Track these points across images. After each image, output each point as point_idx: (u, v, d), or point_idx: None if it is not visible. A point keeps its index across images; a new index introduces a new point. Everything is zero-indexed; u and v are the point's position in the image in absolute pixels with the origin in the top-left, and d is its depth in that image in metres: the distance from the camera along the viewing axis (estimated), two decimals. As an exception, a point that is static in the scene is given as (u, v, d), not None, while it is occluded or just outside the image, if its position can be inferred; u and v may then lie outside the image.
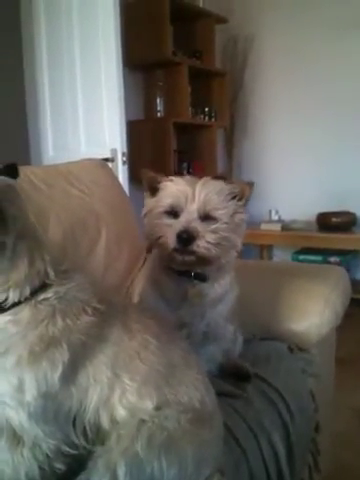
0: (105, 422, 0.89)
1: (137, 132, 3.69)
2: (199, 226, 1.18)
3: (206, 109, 4.34)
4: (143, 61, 3.87)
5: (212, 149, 4.42)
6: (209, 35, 4.33)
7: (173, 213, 1.22)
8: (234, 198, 1.24)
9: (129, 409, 0.89)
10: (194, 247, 1.17)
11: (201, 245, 1.17)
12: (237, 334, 1.48)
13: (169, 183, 1.25)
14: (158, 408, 0.91)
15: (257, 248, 4.50)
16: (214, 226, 1.19)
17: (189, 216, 1.19)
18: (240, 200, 1.24)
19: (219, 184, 1.24)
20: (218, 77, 4.46)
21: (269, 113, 4.63)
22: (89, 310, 0.90)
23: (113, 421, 0.89)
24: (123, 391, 0.90)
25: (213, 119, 4.41)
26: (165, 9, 3.76)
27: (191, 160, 4.28)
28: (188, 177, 1.28)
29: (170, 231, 1.19)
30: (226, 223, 1.20)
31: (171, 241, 1.18)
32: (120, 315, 0.96)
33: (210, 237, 1.18)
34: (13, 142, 3.57)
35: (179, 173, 3.85)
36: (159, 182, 1.27)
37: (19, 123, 3.52)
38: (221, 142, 4.74)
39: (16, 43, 3.41)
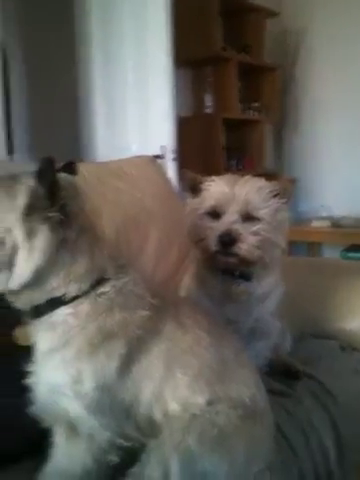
0: (158, 415, 0.90)
1: (186, 128, 3.69)
2: (241, 228, 1.17)
3: (255, 104, 4.29)
4: (192, 57, 3.86)
5: (261, 145, 4.36)
6: (259, 30, 4.27)
7: (215, 214, 1.21)
8: (276, 196, 1.22)
9: (181, 403, 0.90)
10: (236, 249, 1.16)
11: (243, 247, 1.16)
12: (285, 331, 1.47)
13: (210, 184, 1.25)
14: (209, 403, 0.91)
15: (305, 245, 4.42)
16: (256, 227, 1.18)
17: (230, 217, 1.18)
18: (282, 198, 1.22)
19: (260, 182, 1.23)
20: (268, 72, 4.40)
21: (320, 108, 4.52)
22: (144, 304, 0.92)
23: (166, 415, 0.90)
24: (176, 385, 0.91)
25: (262, 114, 4.36)
26: (215, 4, 3.73)
27: (240, 156, 4.24)
28: (229, 176, 1.27)
29: (212, 233, 1.19)
30: (269, 223, 1.19)
31: (213, 243, 1.18)
32: (173, 310, 0.97)
33: (252, 239, 1.17)
34: (64, 139, 3.65)
35: (228, 169, 3.82)
36: (200, 182, 1.27)
37: (70, 121, 3.60)
38: (271, 138, 4.68)
39: (69, 41, 3.47)
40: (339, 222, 4.12)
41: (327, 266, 1.97)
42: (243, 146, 4.31)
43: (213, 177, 1.27)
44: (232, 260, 1.19)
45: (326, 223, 4.11)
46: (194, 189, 1.29)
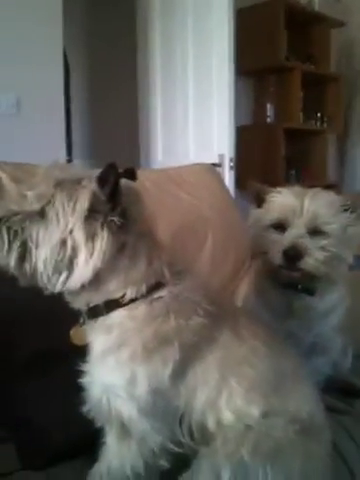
0: (211, 424, 0.89)
1: (246, 138, 3.68)
2: (307, 242, 1.13)
3: (318, 115, 4.22)
4: (255, 67, 3.86)
5: (323, 156, 4.28)
6: (324, 39, 4.22)
7: (280, 227, 1.18)
8: (346, 210, 1.17)
9: (235, 413, 0.89)
10: (301, 265, 1.13)
11: (309, 263, 1.12)
12: (347, 348, 1.41)
13: (276, 195, 1.22)
14: (265, 415, 0.89)
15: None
16: (324, 242, 1.14)
17: (297, 231, 1.15)
18: (353, 212, 1.18)
19: (330, 196, 1.19)
20: (332, 82, 4.32)
21: (385, 120, 4.39)
22: (200, 311, 0.91)
23: (219, 424, 0.89)
24: (230, 394, 0.90)
25: (325, 125, 4.27)
26: (280, 14, 3.73)
27: (300, 167, 4.17)
28: (297, 188, 1.23)
29: (276, 247, 1.15)
30: (337, 238, 1.15)
31: (277, 257, 1.15)
32: (230, 319, 0.96)
33: (319, 254, 1.13)
34: (124, 146, 3.73)
35: (287, 180, 3.77)
36: (266, 194, 1.24)
37: (130, 127, 3.68)
38: (333, 149, 4.57)
39: (131, 47, 3.56)
40: None
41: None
42: (304, 157, 4.25)
43: (279, 188, 1.24)
44: (296, 275, 1.15)
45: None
46: (259, 200, 1.26)
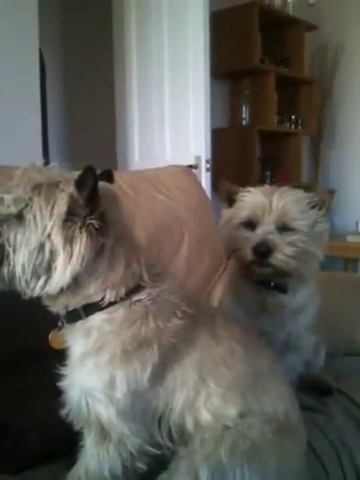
0: (190, 425, 0.90)
1: (222, 140, 3.70)
2: (277, 238, 1.16)
3: (292, 117, 4.28)
4: (230, 69, 3.88)
5: (297, 157, 4.34)
6: (298, 43, 4.27)
7: (250, 225, 1.21)
8: (315, 207, 1.20)
9: (213, 414, 0.90)
10: (271, 260, 1.15)
11: (279, 258, 1.15)
12: (319, 347, 1.44)
13: (246, 194, 1.24)
14: (242, 416, 0.91)
15: (342, 260, 4.35)
16: (292, 238, 1.16)
17: (266, 228, 1.17)
18: (321, 209, 1.21)
19: (298, 193, 1.22)
20: (306, 85, 4.38)
21: (357, 121, 4.47)
22: (179, 313, 0.92)
23: (197, 424, 0.90)
24: (208, 395, 0.90)
25: (299, 127, 4.34)
26: (254, 17, 3.76)
27: (275, 168, 4.22)
28: (267, 187, 1.26)
29: (247, 243, 1.18)
30: (306, 234, 1.17)
31: (248, 254, 1.17)
32: (208, 320, 0.97)
33: (288, 250, 1.15)
34: (100, 147, 3.71)
35: (262, 181, 3.81)
36: (236, 193, 1.26)
37: (107, 129, 3.66)
38: (307, 151, 4.64)
39: (107, 49, 3.54)
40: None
41: (362, 282, 1.93)
42: (279, 158, 4.30)
43: (249, 188, 1.26)
44: (267, 271, 1.17)
45: (364, 238, 4.02)
46: (230, 199, 1.28)
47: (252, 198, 1.23)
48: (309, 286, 1.29)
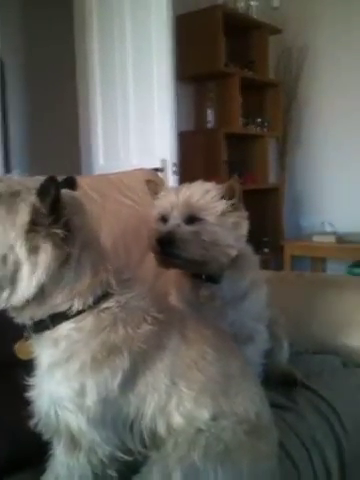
0: (162, 429, 0.90)
1: (188, 143, 3.72)
2: (182, 229, 1.19)
3: (258, 119, 4.33)
4: (195, 73, 3.90)
5: (264, 159, 4.39)
6: (262, 46, 4.32)
7: (164, 220, 1.24)
8: (224, 198, 1.22)
9: (186, 417, 0.90)
10: (175, 250, 1.17)
11: (181, 247, 1.17)
12: (282, 340, 1.47)
13: (161, 193, 1.29)
14: (214, 418, 0.91)
15: (309, 260, 4.42)
16: (197, 227, 1.19)
17: (174, 221, 1.21)
18: (231, 199, 1.22)
19: (204, 186, 1.24)
20: (271, 88, 4.44)
21: (323, 124, 4.56)
22: (149, 319, 0.92)
23: (170, 428, 0.90)
24: (180, 399, 0.91)
25: (265, 129, 4.39)
26: (218, 21, 3.78)
27: (242, 171, 4.25)
28: (182, 185, 1.29)
29: (155, 236, 1.21)
30: (213, 223, 1.19)
31: (155, 246, 1.20)
32: (178, 324, 0.97)
33: (192, 239, 1.17)
34: (64, 151, 3.68)
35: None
36: (158, 192, 1.30)
37: (71, 133, 3.63)
38: (274, 152, 4.70)
39: (70, 53, 3.51)
40: (344, 237, 4.11)
41: (330, 282, 1.96)
42: (246, 160, 4.34)
43: (165, 187, 1.33)
44: (177, 261, 1.20)
45: (330, 238, 4.09)
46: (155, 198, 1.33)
47: (165, 195, 1.27)
48: (248, 275, 1.31)
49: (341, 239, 4.09)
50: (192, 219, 1.20)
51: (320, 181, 4.61)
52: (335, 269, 4.40)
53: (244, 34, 4.26)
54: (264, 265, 1.39)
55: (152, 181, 1.38)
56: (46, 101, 3.92)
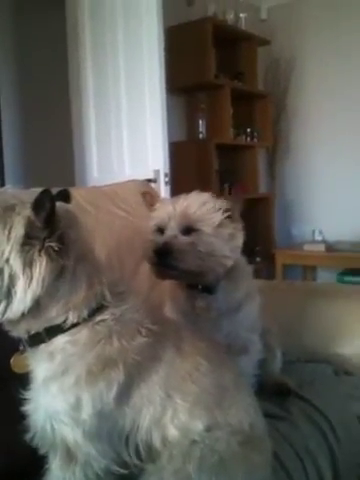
0: (157, 441, 0.90)
1: (180, 153, 3.74)
2: (177, 240, 1.19)
3: (248, 130, 4.37)
4: (186, 84, 3.94)
5: (254, 169, 4.43)
6: (251, 57, 4.38)
7: (160, 231, 1.25)
8: (220, 210, 1.23)
9: (181, 429, 0.91)
10: (171, 261, 1.18)
11: (179, 258, 1.17)
12: (275, 350, 1.48)
13: (158, 205, 1.30)
14: (209, 429, 0.91)
15: (300, 269, 4.45)
16: (193, 238, 1.19)
17: (170, 232, 1.21)
18: (227, 212, 1.23)
19: (201, 197, 1.25)
20: (260, 99, 4.49)
21: (312, 134, 4.61)
22: (143, 331, 0.92)
23: (165, 440, 0.90)
24: (175, 411, 0.91)
25: (255, 139, 4.43)
26: (208, 32, 3.83)
27: (233, 181, 4.29)
28: (178, 196, 1.29)
29: (151, 247, 1.21)
30: (210, 235, 1.20)
31: (152, 257, 1.20)
32: (173, 336, 0.98)
33: (188, 250, 1.18)
34: (58, 163, 3.68)
35: (221, 193, 3.86)
36: (154, 203, 1.31)
37: (65, 145, 3.63)
38: (263, 162, 4.74)
39: (63, 66, 3.52)
40: (334, 246, 4.14)
41: (321, 290, 1.98)
42: (236, 170, 4.37)
43: (162, 198, 1.33)
44: (174, 272, 1.20)
45: (320, 247, 4.13)
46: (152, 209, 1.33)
47: (162, 207, 1.28)
48: (243, 286, 1.32)
49: (331, 247, 4.13)
50: (189, 230, 1.21)
51: (310, 190, 4.65)
52: (325, 277, 4.43)
53: (233, 45, 4.31)
54: (256, 274, 1.40)
55: (148, 193, 1.39)
56: (39, 113, 3.92)
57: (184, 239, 1.19)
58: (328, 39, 4.41)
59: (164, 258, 1.18)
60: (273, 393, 1.40)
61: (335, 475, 1.27)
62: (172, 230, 1.21)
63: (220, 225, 1.22)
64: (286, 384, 1.44)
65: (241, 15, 4.30)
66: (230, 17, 4.22)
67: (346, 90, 4.37)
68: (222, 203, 1.24)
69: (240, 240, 1.26)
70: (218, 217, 1.22)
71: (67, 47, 3.48)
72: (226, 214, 1.23)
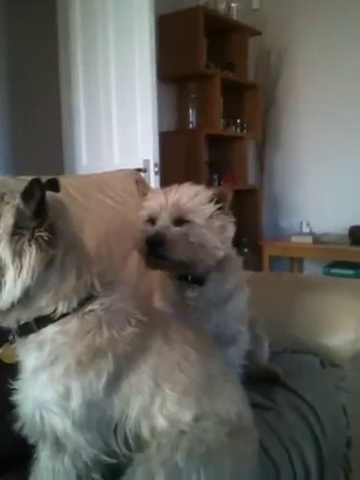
0: (145, 431, 0.91)
1: (169, 143, 3.73)
2: (169, 230, 1.19)
3: (238, 121, 4.36)
4: (176, 73, 3.92)
5: (243, 160, 4.43)
6: (242, 48, 4.36)
7: (152, 222, 1.25)
8: (212, 201, 1.23)
9: (169, 419, 0.91)
10: (163, 251, 1.18)
11: (170, 249, 1.18)
12: (262, 339, 1.49)
13: (149, 194, 1.30)
14: (197, 419, 0.92)
15: (287, 261, 4.47)
16: (185, 229, 1.20)
17: (162, 222, 1.22)
18: (218, 203, 1.24)
19: (193, 188, 1.26)
20: (251, 89, 4.48)
21: (301, 125, 4.61)
22: (133, 321, 0.92)
23: (153, 430, 0.91)
24: (163, 401, 0.91)
25: (245, 131, 4.42)
26: (199, 22, 3.80)
27: (222, 171, 4.29)
28: (170, 187, 1.29)
29: (143, 237, 1.21)
30: (201, 226, 1.21)
31: (144, 247, 1.20)
32: (161, 326, 0.98)
33: (180, 240, 1.18)
34: (47, 151, 3.65)
35: (210, 184, 3.86)
36: (146, 193, 1.31)
37: (53, 133, 3.60)
38: (253, 154, 4.74)
39: (53, 53, 3.49)
40: (321, 238, 4.17)
41: (308, 283, 1.99)
42: (225, 161, 4.37)
43: (153, 188, 1.30)
44: (164, 263, 1.21)
45: (308, 239, 4.15)
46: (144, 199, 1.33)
47: (153, 197, 1.28)
48: (232, 277, 1.32)
49: (318, 240, 4.15)
50: (180, 221, 1.21)
51: (298, 182, 4.67)
52: (312, 269, 4.47)
53: (224, 35, 4.29)
54: (244, 265, 1.41)
55: (141, 182, 1.38)
56: (29, 101, 3.88)
57: (176, 230, 1.20)
58: (319, 30, 4.40)
59: (156, 248, 1.18)
60: (261, 381, 1.42)
61: (320, 465, 1.29)
62: (164, 221, 1.21)
63: (211, 216, 1.22)
64: (274, 370, 1.46)
65: (233, 5, 4.27)
66: (222, 6, 4.19)
67: (336, 83, 4.37)
68: (213, 192, 1.24)
69: (231, 232, 1.26)
70: (209, 209, 1.23)
71: (57, 36, 3.44)
72: (217, 206, 1.23)
